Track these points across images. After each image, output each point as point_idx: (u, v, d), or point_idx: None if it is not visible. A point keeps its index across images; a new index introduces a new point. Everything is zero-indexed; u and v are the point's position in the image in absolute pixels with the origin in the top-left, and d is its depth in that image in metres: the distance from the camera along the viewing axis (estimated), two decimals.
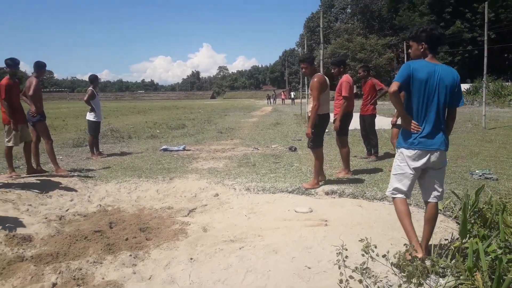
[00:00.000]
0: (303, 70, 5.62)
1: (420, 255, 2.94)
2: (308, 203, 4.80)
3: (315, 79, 5.33)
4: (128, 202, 5.20)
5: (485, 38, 13.20)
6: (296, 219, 4.22)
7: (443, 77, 3.09)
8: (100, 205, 5.07)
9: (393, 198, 3.28)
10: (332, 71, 6.31)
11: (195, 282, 2.79)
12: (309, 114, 5.53)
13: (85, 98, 8.60)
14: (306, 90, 19.66)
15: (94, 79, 8.89)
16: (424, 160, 3.11)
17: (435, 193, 3.20)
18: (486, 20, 13.28)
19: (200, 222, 4.25)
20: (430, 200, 3.21)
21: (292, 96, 46.05)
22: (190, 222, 4.25)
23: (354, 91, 7.19)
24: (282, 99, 49.92)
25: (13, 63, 6.22)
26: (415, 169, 3.14)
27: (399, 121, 5.58)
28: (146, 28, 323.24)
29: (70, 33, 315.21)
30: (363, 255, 2.17)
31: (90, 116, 8.68)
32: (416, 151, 3.11)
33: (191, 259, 3.21)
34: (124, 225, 4.22)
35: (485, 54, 13.12)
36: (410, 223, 3.14)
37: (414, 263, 2.15)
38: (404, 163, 3.18)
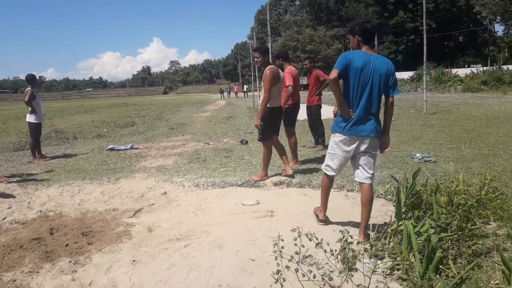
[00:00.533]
0: (256, 59, 5.57)
1: (360, 238, 3.31)
2: (255, 195, 4.84)
3: (267, 71, 5.31)
4: (71, 206, 4.98)
5: (424, 27, 13.87)
6: (243, 212, 4.24)
7: (378, 66, 3.26)
8: (41, 210, 4.82)
9: (324, 172, 3.65)
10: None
11: (136, 285, 2.73)
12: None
13: (25, 99, 8.13)
14: (258, 83, 19.81)
15: (31, 78, 8.42)
16: (354, 145, 3.36)
17: (365, 175, 3.43)
18: (424, 10, 13.94)
19: (146, 222, 4.16)
20: (362, 181, 3.46)
21: (245, 89, 46.13)
22: (135, 223, 4.15)
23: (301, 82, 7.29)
24: (235, 93, 49.89)
25: None
26: (345, 151, 3.41)
27: None
28: (93, 23, 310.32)
29: (12, 30, 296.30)
30: (295, 245, 2.21)
31: (30, 118, 8.23)
32: (346, 136, 3.36)
33: (134, 261, 3.14)
34: (66, 230, 4.04)
35: (425, 43, 13.76)
36: (326, 195, 3.73)
37: (345, 248, 2.22)
38: (336, 146, 3.46)
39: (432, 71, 33.62)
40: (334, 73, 3.20)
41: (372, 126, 3.32)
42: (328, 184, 3.71)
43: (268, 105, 5.37)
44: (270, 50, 10.70)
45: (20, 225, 4.35)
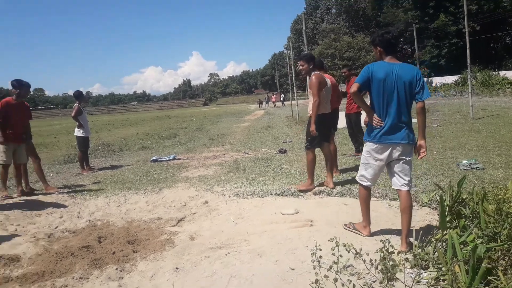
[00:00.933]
0: (301, 67, 5.55)
1: (403, 247, 3.31)
2: (295, 204, 4.84)
3: (313, 77, 5.29)
4: (118, 216, 5.20)
5: (466, 29, 13.36)
6: (282, 222, 4.26)
7: (401, 74, 3.34)
8: (90, 220, 5.07)
9: (359, 183, 3.67)
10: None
11: None
12: (310, 114, 5.45)
13: (72, 114, 8.63)
14: (296, 91, 19.82)
15: (79, 95, 8.91)
16: (386, 153, 3.42)
17: (402, 181, 3.47)
18: (465, 13, 13.46)
19: (188, 231, 4.27)
20: (399, 188, 3.49)
21: (282, 98, 46.21)
22: (178, 231, 4.27)
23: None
24: (273, 102, 50.06)
25: (18, 84, 6.27)
26: (378, 160, 3.47)
27: None
28: (135, 39, 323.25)
29: (60, 49, 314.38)
30: (333, 254, 2.20)
31: (78, 132, 8.70)
32: (377, 144, 3.43)
33: (177, 268, 3.23)
34: (113, 239, 4.22)
35: (467, 46, 13.30)
36: (367, 207, 3.67)
37: (386, 258, 2.19)
38: (368, 155, 3.53)
39: (478, 74, 32.20)
40: (354, 87, 3.37)
41: (403, 134, 3.39)
42: (366, 195, 3.68)
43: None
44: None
45: (71, 233, 4.59)
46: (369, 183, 3.61)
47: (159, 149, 11.97)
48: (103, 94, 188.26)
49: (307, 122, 5.66)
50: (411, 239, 3.36)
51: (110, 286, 3.02)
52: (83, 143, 8.69)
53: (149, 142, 14.23)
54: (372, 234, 3.68)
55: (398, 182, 3.48)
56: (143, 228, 4.56)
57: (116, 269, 3.31)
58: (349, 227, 3.86)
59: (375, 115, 3.44)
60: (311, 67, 5.47)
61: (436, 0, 47.77)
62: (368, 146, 3.52)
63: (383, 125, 3.38)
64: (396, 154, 3.40)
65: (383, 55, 3.46)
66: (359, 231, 3.75)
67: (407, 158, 3.45)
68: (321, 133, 5.43)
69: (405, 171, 3.46)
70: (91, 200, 5.95)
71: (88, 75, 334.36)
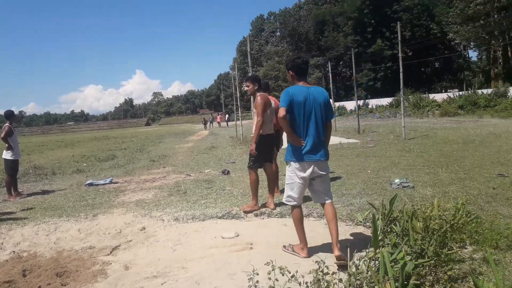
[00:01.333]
0: (247, 88, 5.70)
1: (335, 253, 3.51)
2: (235, 227, 4.80)
3: (258, 97, 5.39)
4: (46, 245, 4.84)
5: (400, 54, 14.35)
6: (222, 246, 4.19)
7: (316, 97, 3.66)
8: (14, 251, 4.67)
9: (288, 205, 3.79)
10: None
11: None
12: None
13: (2, 135, 8.02)
14: (241, 112, 19.97)
15: (10, 114, 8.33)
16: (309, 171, 3.63)
17: (325, 195, 3.74)
18: (399, 39, 14.44)
19: (123, 260, 4.07)
20: (323, 202, 3.74)
21: (226, 118, 46.46)
22: (112, 261, 4.05)
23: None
24: (218, 122, 50.12)
25: None
26: (303, 178, 3.65)
27: None
28: (74, 57, 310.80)
29: None
30: (269, 279, 2.19)
31: (7, 155, 8.09)
32: (301, 163, 3.63)
33: None
34: (39, 272, 3.92)
35: (401, 70, 14.22)
36: (301, 228, 3.76)
37: (320, 280, 2.21)
38: (293, 174, 3.69)
39: (410, 96, 34.53)
40: (282, 111, 3.54)
41: (322, 151, 3.67)
42: (299, 215, 3.79)
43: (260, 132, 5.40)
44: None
45: None
46: (296, 203, 3.75)
47: (95, 172, 11.43)
48: (37, 114, 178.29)
49: (251, 142, 5.70)
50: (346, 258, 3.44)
51: None
52: (12, 166, 8.10)
53: (84, 164, 13.56)
54: (310, 255, 3.73)
55: (322, 196, 3.74)
56: (74, 258, 4.28)
57: None
58: (287, 249, 3.88)
59: (296, 136, 3.63)
60: (256, 87, 5.60)
61: (374, 26, 51.03)
62: (292, 166, 3.70)
63: (304, 144, 3.61)
64: (317, 170, 3.64)
65: (295, 79, 3.76)
66: (298, 253, 3.78)
67: (326, 173, 3.75)
68: (263, 153, 5.53)
69: (326, 185, 3.76)
70: (17, 229, 5.51)
71: (22, 93, 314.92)
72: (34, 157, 18.42)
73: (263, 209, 5.48)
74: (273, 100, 5.92)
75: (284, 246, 3.94)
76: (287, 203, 3.81)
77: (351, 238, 4.18)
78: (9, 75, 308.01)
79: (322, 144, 3.68)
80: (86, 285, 3.45)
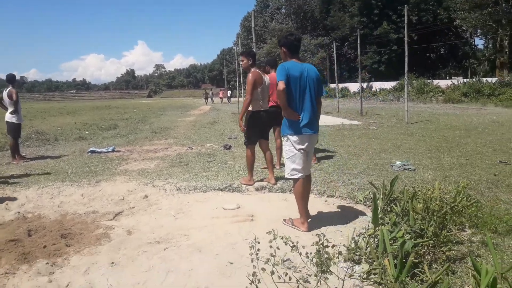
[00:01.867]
0: (241, 63, 5.66)
1: (305, 229, 3.76)
2: (237, 199, 4.87)
3: (249, 75, 5.35)
4: (50, 208, 4.91)
5: (406, 38, 14.16)
6: (223, 216, 4.26)
7: (310, 73, 3.81)
8: (19, 212, 4.74)
9: (292, 179, 3.86)
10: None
11: (113, 287, 2.72)
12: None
13: (14, 98, 7.99)
14: (243, 88, 19.88)
15: (12, 78, 8.30)
16: (306, 143, 3.79)
17: (310, 166, 4.01)
18: (406, 22, 14.24)
19: (126, 225, 4.14)
20: (309, 173, 3.98)
21: (229, 94, 46.16)
22: (115, 225, 4.12)
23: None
24: (220, 98, 49.85)
25: None
26: (301, 149, 3.78)
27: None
28: (76, 24, 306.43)
29: None
30: (270, 247, 2.25)
31: (12, 118, 8.09)
32: (299, 136, 3.76)
33: (112, 263, 3.13)
34: (44, 232, 3.99)
35: (406, 54, 14.06)
36: (303, 202, 3.84)
37: (320, 251, 2.27)
38: (292, 147, 3.80)
39: (414, 81, 34.27)
40: (282, 85, 3.61)
41: (316, 125, 3.89)
42: (301, 189, 3.83)
43: (251, 109, 5.44)
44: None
45: None
46: (301, 174, 3.80)
47: (98, 140, 11.47)
48: (39, 80, 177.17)
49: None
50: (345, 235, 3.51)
51: (39, 282, 2.85)
52: (16, 130, 8.13)
53: (86, 132, 13.59)
54: (310, 229, 3.79)
55: (310, 167, 4.01)
56: (77, 221, 4.35)
57: (47, 263, 3.13)
58: (287, 223, 3.95)
59: (291, 110, 3.75)
60: (250, 63, 5.51)
61: (380, 8, 50.09)
62: (289, 140, 3.80)
63: (300, 119, 3.73)
64: (312, 143, 3.88)
65: (287, 56, 3.86)
66: (298, 227, 3.85)
67: (315, 146, 4.09)
68: (256, 129, 5.55)
69: (311, 157, 4.03)
70: (22, 191, 5.58)
71: (23, 59, 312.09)
72: (36, 122, 18.45)
73: (264, 184, 5.54)
74: (268, 77, 5.86)
75: (285, 220, 4.01)
76: (292, 177, 3.84)
77: (351, 215, 4.25)
78: (11, 39, 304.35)
79: (316, 118, 3.88)
80: (90, 247, 3.52)
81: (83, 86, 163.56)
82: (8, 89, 8.12)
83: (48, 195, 5.42)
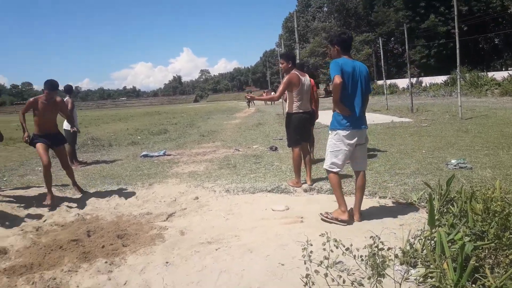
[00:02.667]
0: (281, 65, 5.69)
1: (356, 218, 3.96)
2: (285, 201, 4.86)
3: (286, 76, 5.40)
4: (107, 210, 5.17)
5: (456, 30, 13.49)
6: (273, 218, 4.27)
7: (362, 70, 3.89)
8: (79, 214, 5.03)
9: (329, 171, 4.00)
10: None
11: (169, 286, 2.81)
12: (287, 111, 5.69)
13: (70, 107, 8.48)
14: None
15: (69, 89, 8.83)
16: (356, 138, 3.88)
17: (363, 163, 4.09)
18: (456, 13, 13.59)
19: (178, 226, 4.26)
20: (359, 169, 4.06)
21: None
22: (168, 226, 4.26)
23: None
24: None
25: None
26: (349, 145, 3.88)
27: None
28: (125, 34, 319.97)
29: (48, 42, 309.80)
30: (324, 249, 2.22)
31: (68, 126, 8.60)
32: (349, 131, 3.84)
33: (167, 263, 3.23)
34: (102, 233, 4.20)
35: (457, 46, 13.39)
36: (341, 192, 4.00)
37: (375, 254, 2.21)
38: (340, 142, 3.89)
39: (467, 75, 32.58)
40: (338, 79, 3.68)
41: (365, 120, 3.98)
42: (338, 181, 4.01)
43: (290, 111, 5.52)
44: (297, 57, 10.72)
45: (59, 227, 4.55)
46: (339, 169, 3.96)
47: (149, 144, 11.90)
48: (92, 89, 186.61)
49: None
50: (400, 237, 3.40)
51: (99, 279, 3.01)
52: (72, 137, 8.62)
53: (139, 137, 14.14)
54: (360, 231, 3.71)
55: (361, 164, 4.07)
56: (132, 222, 4.54)
57: (106, 262, 3.29)
58: (326, 217, 4.00)
59: (343, 105, 3.83)
60: (289, 65, 5.52)
61: (427, 1, 48.10)
62: (338, 134, 3.88)
63: (350, 114, 3.82)
64: (361, 138, 3.93)
65: (340, 54, 3.90)
66: (337, 217, 3.94)
67: (367, 142, 4.11)
68: (297, 131, 5.53)
69: (364, 154, 4.09)
70: (81, 195, 5.90)
71: (77, 69, 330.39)
72: (91, 129, 19.45)
73: (313, 185, 5.49)
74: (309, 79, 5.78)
75: (321, 214, 4.06)
76: (330, 169, 3.98)
77: (405, 217, 4.11)
78: (65, 52, 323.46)
79: (364, 114, 3.97)
80: (146, 247, 3.66)
81: (133, 94, 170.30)
82: (65, 99, 8.63)
83: (104, 198, 5.68)
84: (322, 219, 4.01)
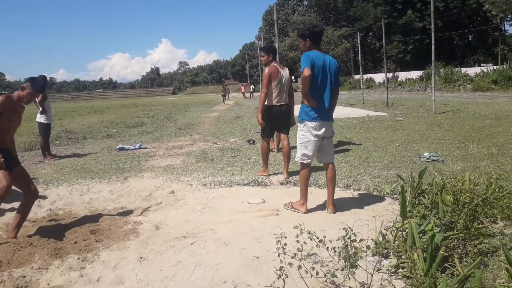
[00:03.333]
0: (262, 58, 5.79)
1: (330, 210, 4.04)
2: (262, 194, 4.87)
3: (266, 69, 5.50)
4: (80, 205, 5.06)
5: (432, 26, 13.74)
6: (249, 211, 4.27)
7: (331, 64, 3.96)
8: (51, 209, 4.91)
9: (301, 163, 4.07)
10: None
11: (143, 281, 2.77)
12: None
13: (39, 99, 8.25)
14: None
15: (43, 80, 8.55)
16: (323, 130, 3.94)
17: (331, 156, 4.16)
18: (432, 9, 13.81)
19: (153, 220, 4.22)
20: (328, 161, 4.14)
21: (251, 89, 46.06)
22: (143, 221, 4.21)
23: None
24: (242, 93, 49.81)
25: None
26: (317, 136, 3.95)
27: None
28: (102, 24, 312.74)
29: (23, 32, 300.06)
30: (297, 241, 2.23)
31: (41, 118, 8.37)
32: (316, 122, 3.92)
33: (141, 258, 3.19)
34: (75, 229, 4.09)
35: (433, 42, 13.64)
36: (306, 185, 4.11)
37: (348, 245, 2.24)
38: (308, 133, 3.97)
39: (441, 70, 33.33)
40: (308, 71, 3.72)
41: (332, 113, 4.06)
42: (307, 174, 4.11)
43: (266, 103, 5.53)
44: (277, 50, 10.76)
45: (30, 223, 4.42)
46: (309, 160, 4.05)
47: (125, 137, 11.71)
48: (67, 80, 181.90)
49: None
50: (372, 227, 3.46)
51: (71, 276, 2.94)
52: (46, 129, 8.39)
53: (114, 130, 13.89)
54: (334, 223, 3.75)
55: (328, 156, 4.14)
56: (106, 217, 4.45)
57: (78, 259, 3.22)
58: (288, 207, 4.20)
59: (311, 97, 3.90)
60: (270, 58, 5.64)
61: None
62: (306, 125, 3.96)
63: (318, 105, 3.88)
64: (328, 131, 3.98)
65: (311, 47, 3.95)
66: (297, 209, 4.11)
67: (333, 135, 4.18)
68: (272, 123, 5.64)
69: (331, 147, 4.18)
70: (53, 189, 5.76)
71: (52, 60, 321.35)
72: (66, 122, 18.99)
73: (289, 178, 5.52)
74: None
75: (285, 204, 4.26)
76: (301, 161, 4.06)
77: (378, 208, 4.18)
78: (39, 42, 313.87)
79: (332, 107, 4.06)
80: (119, 242, 3.60)
81: (109, 85, 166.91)
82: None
83: (78, 192, 5.57)
84: (284, 208, 4.23)
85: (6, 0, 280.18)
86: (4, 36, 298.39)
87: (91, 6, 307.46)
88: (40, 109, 8.28)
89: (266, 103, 5.56)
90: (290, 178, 5.53)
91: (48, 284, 2.87)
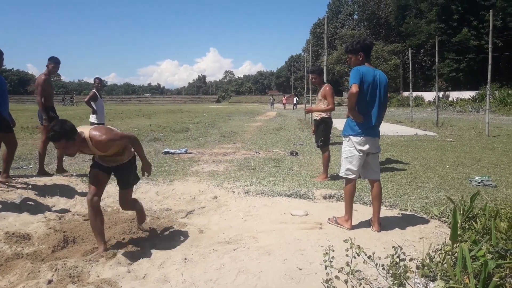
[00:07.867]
0: (313, 80, 6.51)
1: (375, 228, 3.93)
2: (305, 206, 4.84)
3: (327, 88, 6.17)
4: None
5: (490, 45, 13.20)
6: (291, 222, 4.27)
7: (381, 79, 3.91)
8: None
9: (346, 179, 4.02)
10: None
11: (187, 281, 2.84)
12: (315, 117, 6.50)
13: (86, 99, 8.68)
14: (310, 95, 19.76)
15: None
16: (368, 145, 3.88)
17: (376, 172, 4.06)
18: (490, 28, 13.28)
19: (197, 223, 4.31)
20: (374, 178, 4.05)
21: (295, 101, 46.00)
22: (187, 223, 4.31)
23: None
24: (284, 104, 49.73)
25: None
26: (361, 151, 3.88)
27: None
28: (153, 32, 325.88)
29: (78, 35, 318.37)
30: (347, 255, 2.21)
31: (92, 118, 8.77)
32: (362, 137, 3.87)
33: (185, 259, 3.27)
34: (123, 226, 4.27)
35: (489, 62, 13.11)
36: (351, 201, 4.02)
37: (398, 264, 2.19)
38: (353, 148, 3.92)
39: (496, 91, 31.79)
40: (356, 88, 3.71)
41: (378, 130, 4.00)
42: (352, 190, 4.03)
43: (328, 115, 6.36)
44: (324, 63, 10.87)
45: (81, 217, 4.65)
46: (354, 175, 3.95)
47: (171, 141, 12.05)
48: (118, 84, 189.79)
49: (314, 125, 6.64)
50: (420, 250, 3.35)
51: (119, 271, 3.06)
52: None
53: (161, 134, 14.33)
54: (380, 241, 3.67)
55: (374, 173, 4.05)
56: (152, 217, 4.60)
57: (126, 254, 3.35)
58: (331, 222, 4.14)
59: (357, 112, 3.86)
60: (322, 79, 6.47)
61: (461, 14, 47.15)
62: (351, 140, 3.92)
63: (363, 120, 3.84)
64: (373, 147, 3.92)
65: (364, 61, 3.91)
66: (341, 225, 4.03)
67: (379, 151, 4.10)
68: (329, 135, 6.57)
69: (376, 164, 4.08)
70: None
71: (104, 63, 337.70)
72: (115, 123, 19.80)
73: (332, 192, 5.46)
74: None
75: (329, 219, 4.20)
76: (345, 176, 4.01)
77: (425, 230, 4.04)
78: (93, 45, 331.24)
79: (379, 124, 3.98)
80: (165, 242, 3.72)
81: (157, 91, 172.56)
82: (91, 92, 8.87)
83: None
84: (327, 222, 4.18)
85: (63, 9, 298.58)
86: (61, 41, 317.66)
87: (144, 13, 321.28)
88: (91, 109, 8.69)
89: (323, 115, 6.34)
90: (334, 193, 5.46)
91: (98, 276, 3.01)
